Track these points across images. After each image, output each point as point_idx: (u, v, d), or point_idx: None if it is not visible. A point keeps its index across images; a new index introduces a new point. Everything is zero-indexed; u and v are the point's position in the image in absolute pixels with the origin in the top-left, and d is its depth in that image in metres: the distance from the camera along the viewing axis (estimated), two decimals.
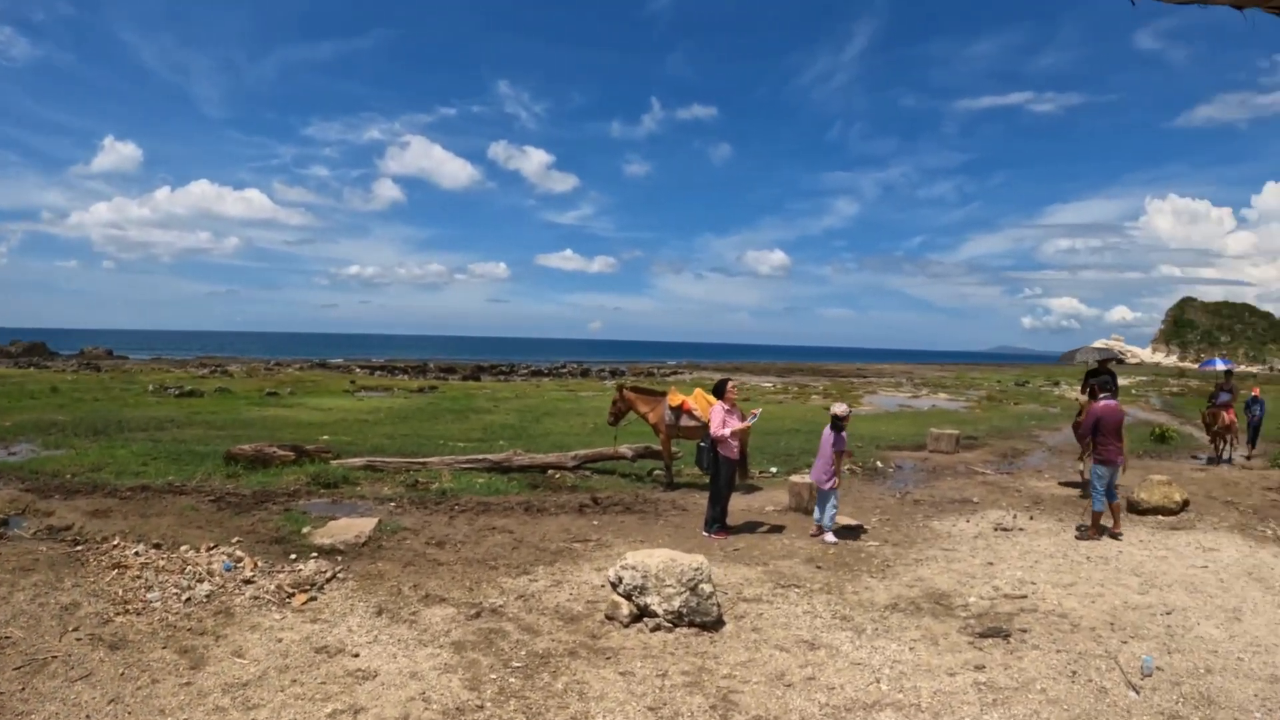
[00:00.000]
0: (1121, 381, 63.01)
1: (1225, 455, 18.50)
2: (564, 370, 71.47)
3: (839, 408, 10.42)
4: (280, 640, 6.13)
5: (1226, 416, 18.09)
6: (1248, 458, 18.72)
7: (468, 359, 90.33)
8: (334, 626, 6.46)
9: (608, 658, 5.89)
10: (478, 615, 6.73)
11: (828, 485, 9.96)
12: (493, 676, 5.52)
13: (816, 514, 10.18)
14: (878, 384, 57.75)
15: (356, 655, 5.85)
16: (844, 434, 10.17)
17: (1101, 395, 11.11)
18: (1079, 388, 13.50)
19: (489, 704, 5.13)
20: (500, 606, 6.97)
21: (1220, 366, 21.96)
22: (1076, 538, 10.16)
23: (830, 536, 9.92)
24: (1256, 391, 20.02)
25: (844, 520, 10.62)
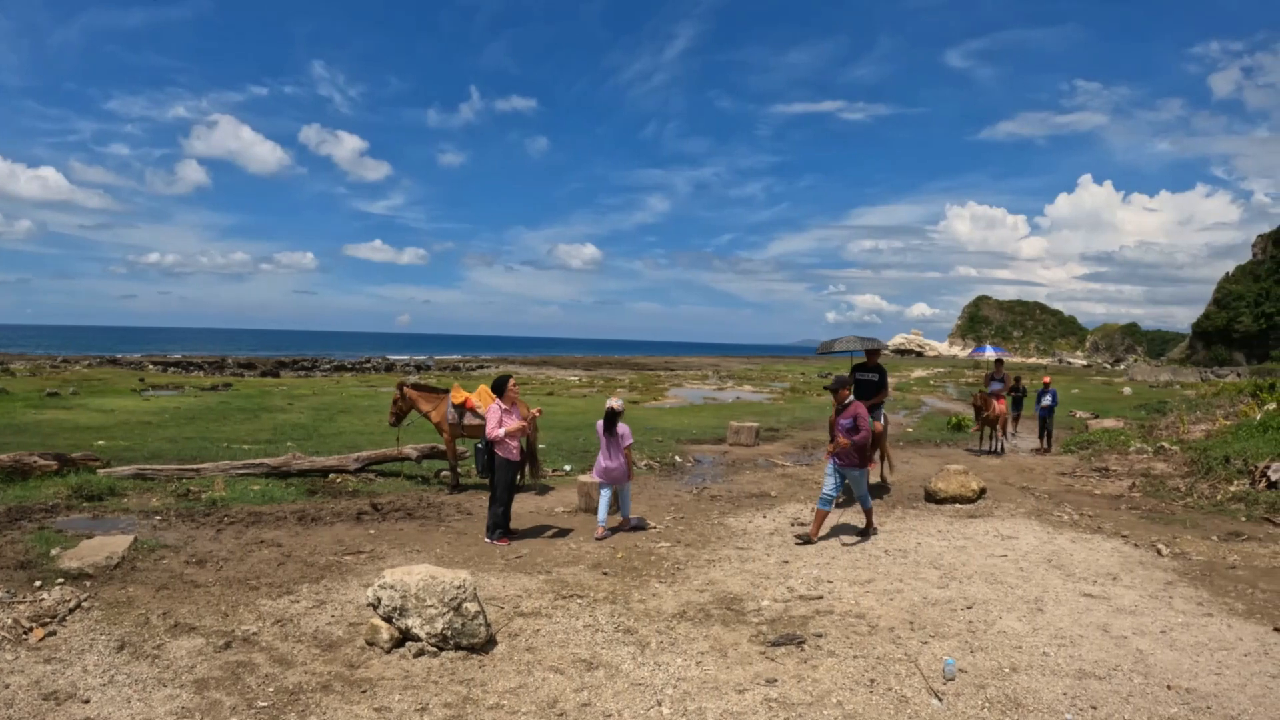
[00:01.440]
0: (919, 373, 66.58)
1: (991, 447, 18.56)
2: (368, 365, 70.52)
3: (615, 402, 10.15)
4: (7, 686, 5.24)
5: (997, 406, 18.14)
6: (1040, 451, 18.81)
7: (269, 354, 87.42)
8: (69, 666, 5.58)
9: (364, 691, 5.31)
10: (228, 646, 6.02)
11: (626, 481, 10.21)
12: None
13: (602, 514, 10.03)
14: (684, 376, 58.70)
15: (87, 701, 5.07)
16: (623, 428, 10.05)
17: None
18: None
19: None
20: (254, 634, 6.27)
21: (990, 354, 21.72)
22: (796, 540, 9.62)
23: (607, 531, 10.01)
24: (1047, 380, 20.41)
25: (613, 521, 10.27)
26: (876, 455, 12.35)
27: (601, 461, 9.99)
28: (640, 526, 10.24)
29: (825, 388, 10.76)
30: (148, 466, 12.19)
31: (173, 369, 55.50)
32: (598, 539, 9.61)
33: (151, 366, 56.77)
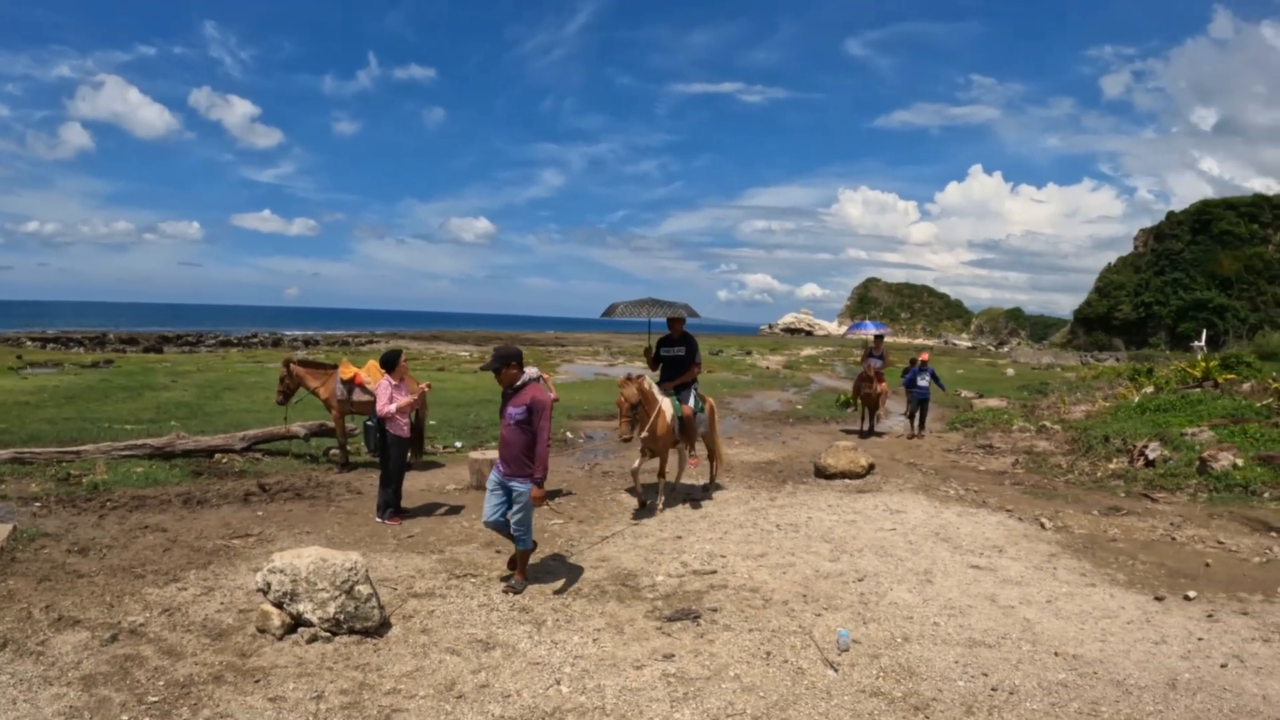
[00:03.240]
0: (809, 351, 67.62)
1: (868, 426, 18.09)
2: (255, 340, 68.11)
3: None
4: None
5: (880, 386, 17.53)
6: (913, 436, 17.68)
7: (153, 329, 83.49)
8: None
9: (257, 680, 5.23)
10: (115, 639, 5.80)
11: None
12: (124, 718, 4.75)
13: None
14: (575, 352, 58.67)
15: None
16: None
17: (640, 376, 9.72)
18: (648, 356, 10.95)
19: None
20: (142, 625, 6.07)
21: (871, 330, 20.59)
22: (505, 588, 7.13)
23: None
24: (924, 358, 18.36)
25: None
26: (698, 450, 11.59)
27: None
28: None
29: (481, 368, 8.63)
30: (25, 450, 11.67)
31: (52, 345, 52.92)
32: None
33: (29, 343, 53.73)
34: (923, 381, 17.70)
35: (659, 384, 10.29)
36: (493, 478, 7.03)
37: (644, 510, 9.98)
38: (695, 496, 10.86)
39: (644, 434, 9.51)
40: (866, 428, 18.09)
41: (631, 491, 10.58)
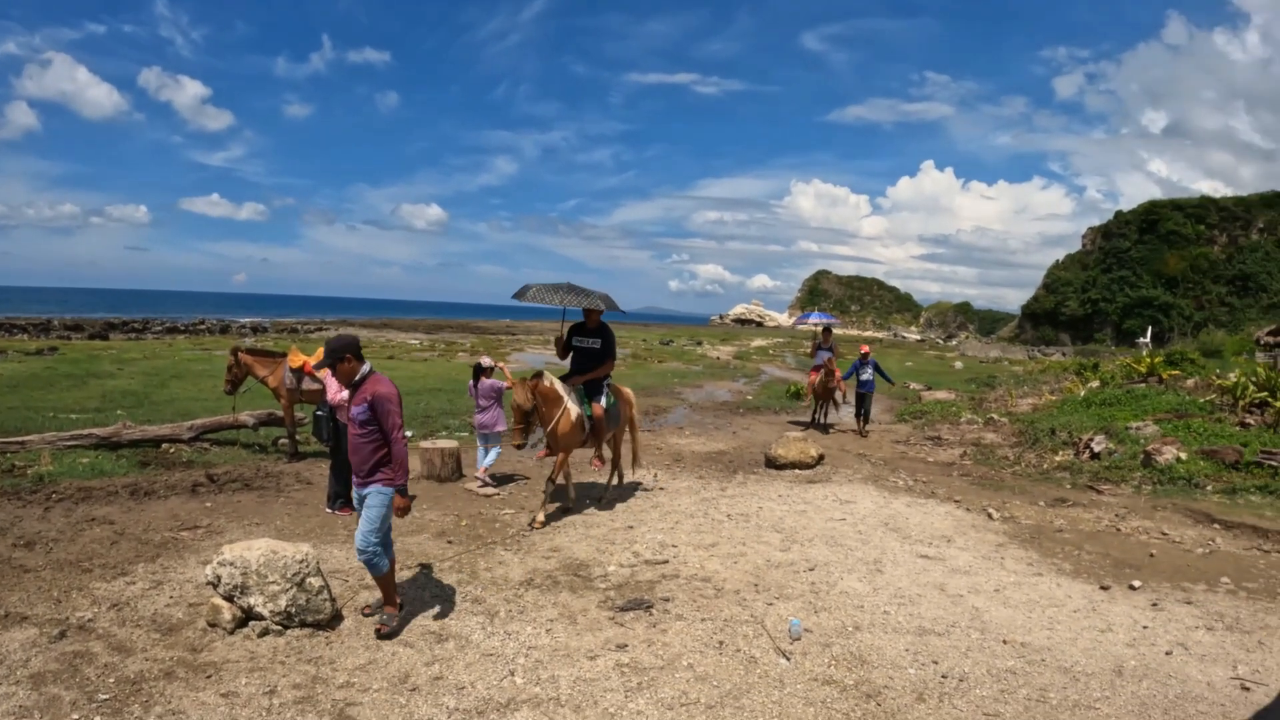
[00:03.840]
0: (759, 342, 68.00)
1: (822, 419, 17.83)
2: (202, 327, 66.82)
3: (486, 360, 11.05)
4: None
5: (836, 378, 17.01)
6: (856, 433, 17.09)
7: (99, 315, 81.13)
8: None
9: (209, 676, 5.19)
10: (63, 635, 5.71)
11: (499, 429, 10.80)
12: (75, 717, 4.68)
13: (482, 458, 10.83)
14: (526, 341, 58.33)
15: None
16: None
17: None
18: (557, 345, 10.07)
19: None
20: (90, 621, 5.97)
21: (817, 321, 19.78)
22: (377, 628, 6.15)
23: (490, 488, 10.55)
24: (865, 350, 17.81)
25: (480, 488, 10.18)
26: (605, 452, 10.62)
27: (476, 415, 10.91)
28: (488, 484, 10.67)
29: (315, 366, 8.28)
30: None
31: None
32: (480, 483, 10.56)
33: None
34: (865, 375, 17.09)
35: (568, 376, 9.65)
36: (355, 494, 6.06)
37: (569, 512, 9.54)
38: (645, 485, 10.92)
39: (546, 434, 9.08)
40: (820, 419, 17.78)
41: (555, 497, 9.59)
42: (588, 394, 9.62)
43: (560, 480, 9.46)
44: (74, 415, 14.67)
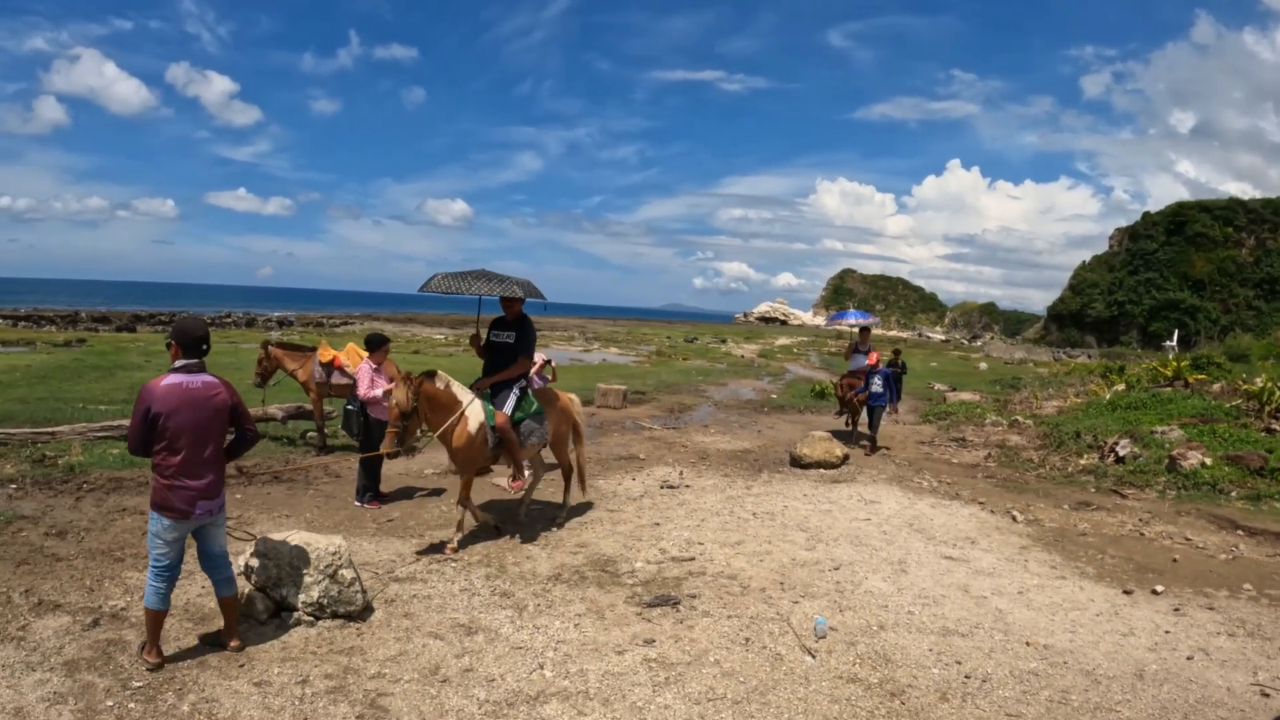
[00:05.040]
0: (784, 341, 67.78)
1: (853, 427, 15.76)
2: (228, 320, 67.26)
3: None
4: None
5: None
6: (869, 452, 14.38)
7: (126, 308, 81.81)
8: None
9: (241, 665, 5.25)
10: (96, 623, 5.77)
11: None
12: (109, 704, 4.72)
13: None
14: (550, 337, 58.54)
15: None
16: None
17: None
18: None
19: None
20: (123, 610, 6.02)
21: (855, 320, 17.72)
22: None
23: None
24: (875, 358, 15.31)
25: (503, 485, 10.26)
26: (525, 472, 8.68)
27: None
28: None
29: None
30: None
31: (23, 323, 51.69)
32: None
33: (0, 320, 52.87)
34: (876, 386, 14.52)
35: (479, 379, 8.37)
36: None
37: (497, 532, 8.42)
38: (671, 483, 10.96)
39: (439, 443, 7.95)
40: (851, 429, 15.78)
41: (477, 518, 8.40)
42: (493, 399, 8.22)
43: (462, 508, 8.02)
44: (103, 406, 14.85)
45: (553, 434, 8.81)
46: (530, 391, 8.59)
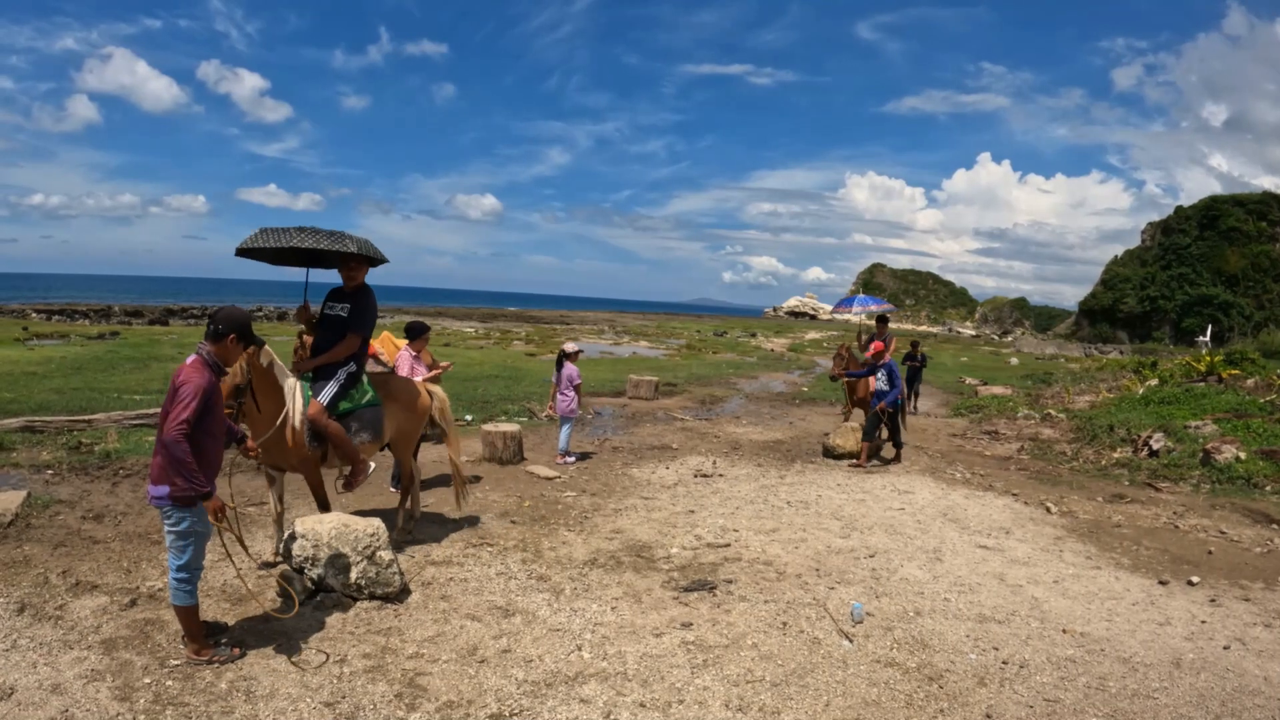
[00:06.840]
0: (813, 335, 67.74)
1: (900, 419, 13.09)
2: (260, 314, 67.95)
3: (570, 345, 12.09)
4: None
5: (871, 382, 12.75)
6: (855, 465, 12.15)
7: (158, 302, 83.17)
8: None
9: (279, 645, 5.27)
10: (133, 604, 5.84)
11: (573, 414, 11.63)
12: (147, 681, 4.76)
13: (562, 442, 11.57)
14: (580, 331, 58.85)
15: None
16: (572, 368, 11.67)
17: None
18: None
19: (142, 717, 4.41)
20: (160, 590, 6.06)
21: (864, 308, 16.09)
22: None
23: (571, 458, 11.47)
24: (878, 348, 13.85)
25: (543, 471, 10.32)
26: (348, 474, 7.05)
27: (560, 402, 11.59)
28: (565, 462, 11.40)
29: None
30: (36, 419, 11.73)
31: (57, 317, 52.79)
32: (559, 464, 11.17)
33: (34, 314, 53.81)
34: (879, 383, 12.41)
35: (301, 360, 7.00)
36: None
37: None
38: (705, 471, 10.98)
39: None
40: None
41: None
42: (313, 384, 6.74)
43: (279, 508, 6.95)
44: (137, 396, 15.03)
45: (394, 432, 7.40)
46: (366, 379, 7.12)
